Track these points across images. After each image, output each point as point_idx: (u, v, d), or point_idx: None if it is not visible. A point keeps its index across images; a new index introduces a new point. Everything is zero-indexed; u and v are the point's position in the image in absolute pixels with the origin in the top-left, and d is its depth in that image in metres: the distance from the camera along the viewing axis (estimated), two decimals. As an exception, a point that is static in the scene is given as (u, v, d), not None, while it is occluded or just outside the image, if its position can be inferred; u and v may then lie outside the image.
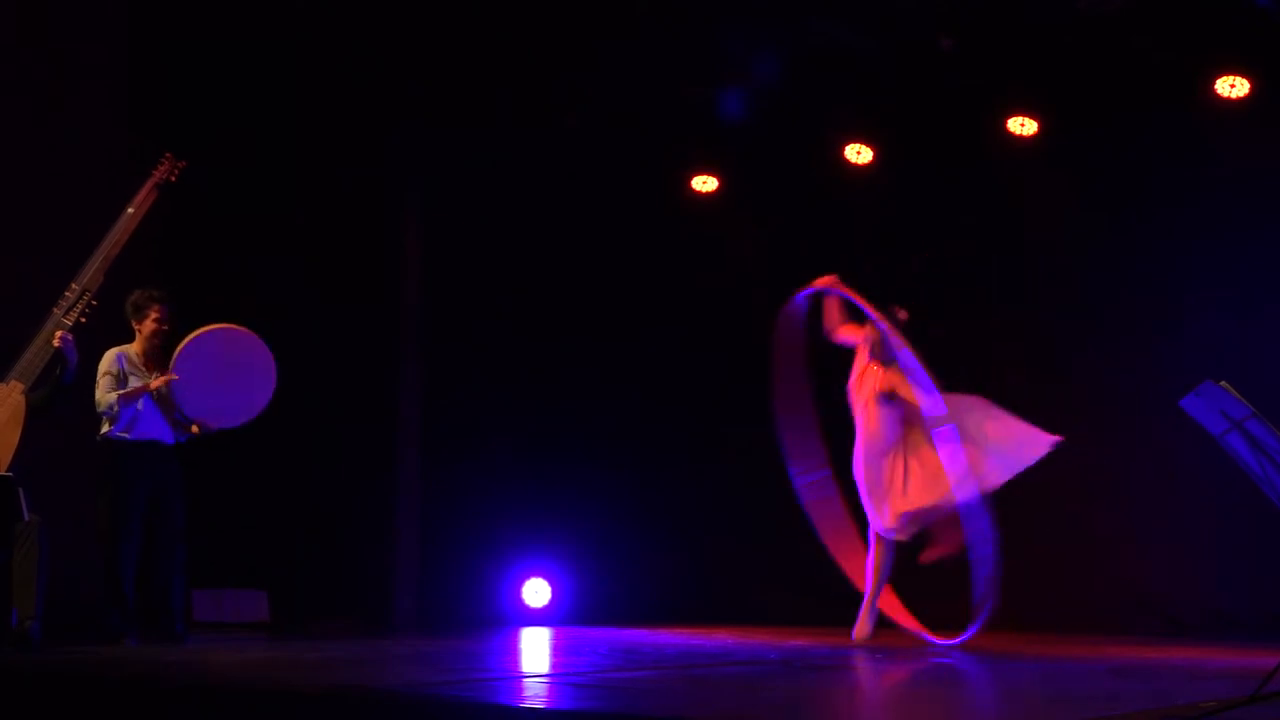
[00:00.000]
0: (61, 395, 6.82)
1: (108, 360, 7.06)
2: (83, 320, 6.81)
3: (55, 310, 6.80)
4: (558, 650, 7.24)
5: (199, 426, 7.15)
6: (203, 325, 7.16)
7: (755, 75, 9.06)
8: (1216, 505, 8.05)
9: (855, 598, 7.56)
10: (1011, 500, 8.86)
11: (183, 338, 7.10)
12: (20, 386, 6.71)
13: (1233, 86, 8.21)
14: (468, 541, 9.66)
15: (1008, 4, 8.28)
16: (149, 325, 7.11)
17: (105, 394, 6.99)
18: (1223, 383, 4.58)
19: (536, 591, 9.70)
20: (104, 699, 5.09)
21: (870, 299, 7.26)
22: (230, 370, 7.12)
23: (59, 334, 6.73)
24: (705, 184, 10.01)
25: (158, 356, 7.15)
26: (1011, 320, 9.11)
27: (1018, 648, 7.25)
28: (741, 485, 9.54)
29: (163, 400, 7.07)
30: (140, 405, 7.04)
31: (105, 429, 7.05)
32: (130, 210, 7.04)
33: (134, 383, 7.04)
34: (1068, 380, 8.80)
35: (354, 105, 9.33)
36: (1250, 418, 4.52)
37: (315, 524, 9.39)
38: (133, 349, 7.13)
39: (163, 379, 6.99)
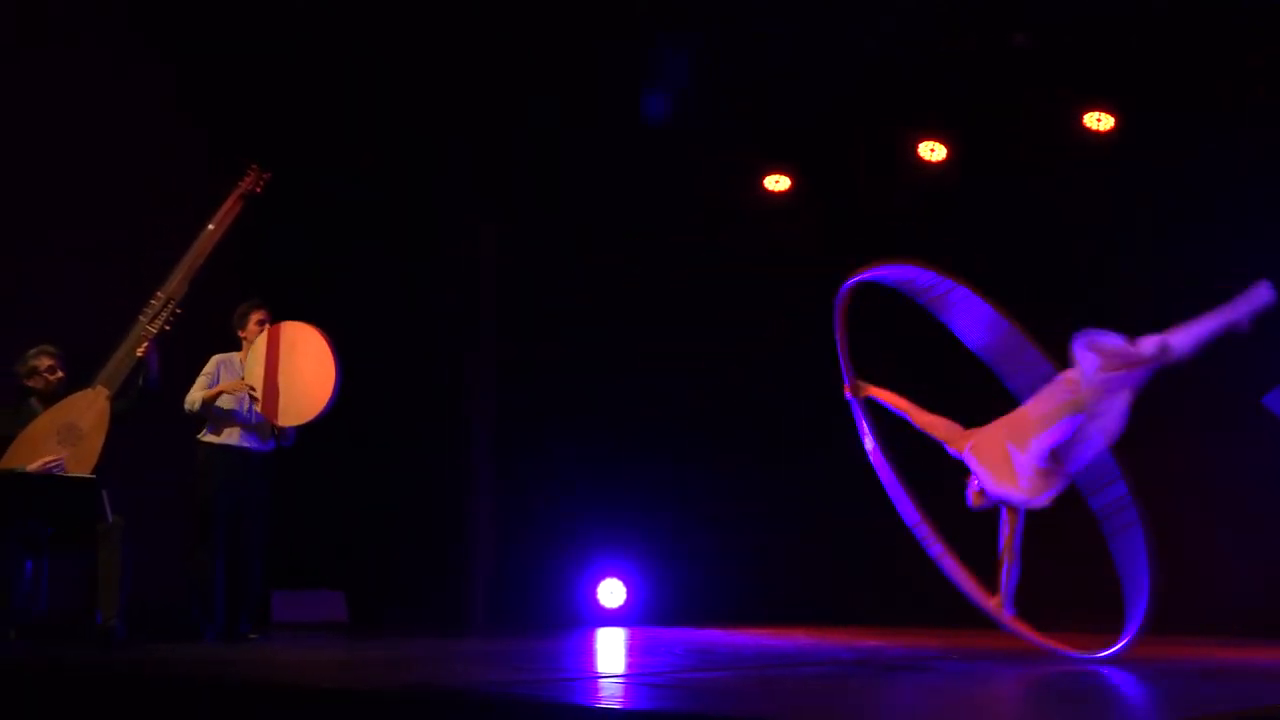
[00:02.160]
0: (146, 402, 6.92)
1: (209, 364, 7.23)
2: (167, 328, 6.91)
3: (140, 318, 6.90)
4: (633, 650, 7.21)
5: (275, 430, 7.23)
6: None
7: (823, 73, 8.99)
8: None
9: (929, 597, 7.42)
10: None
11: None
12: (105, 392, 6.82)
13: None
14: (542, 542, 9.68)
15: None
16: (252, 331, 7.23)
17: (192, 393, 7.14)
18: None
19: (611, 592, 9.69)
20: (185, 697, 5.13)
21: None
22: (286, 368, 7.14)
23: (143, 343, 6.82)
24: (778, 183, 9.96)
25: None
26: (1090, 314, 8.92)
27: (1103, 649, 7.10)
28: (814, 483, 9.45)
29: (246, 407, 7.17)
30: (229, 409, 7.15)
31: (201, 432, 7.17)
32: (215, 221, 7.14)
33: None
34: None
35: (425, 110, 9.37)
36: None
37: (392, 526, 9.45)
38: (238, 356, 7.27)
39: (237, 383, 7.10)
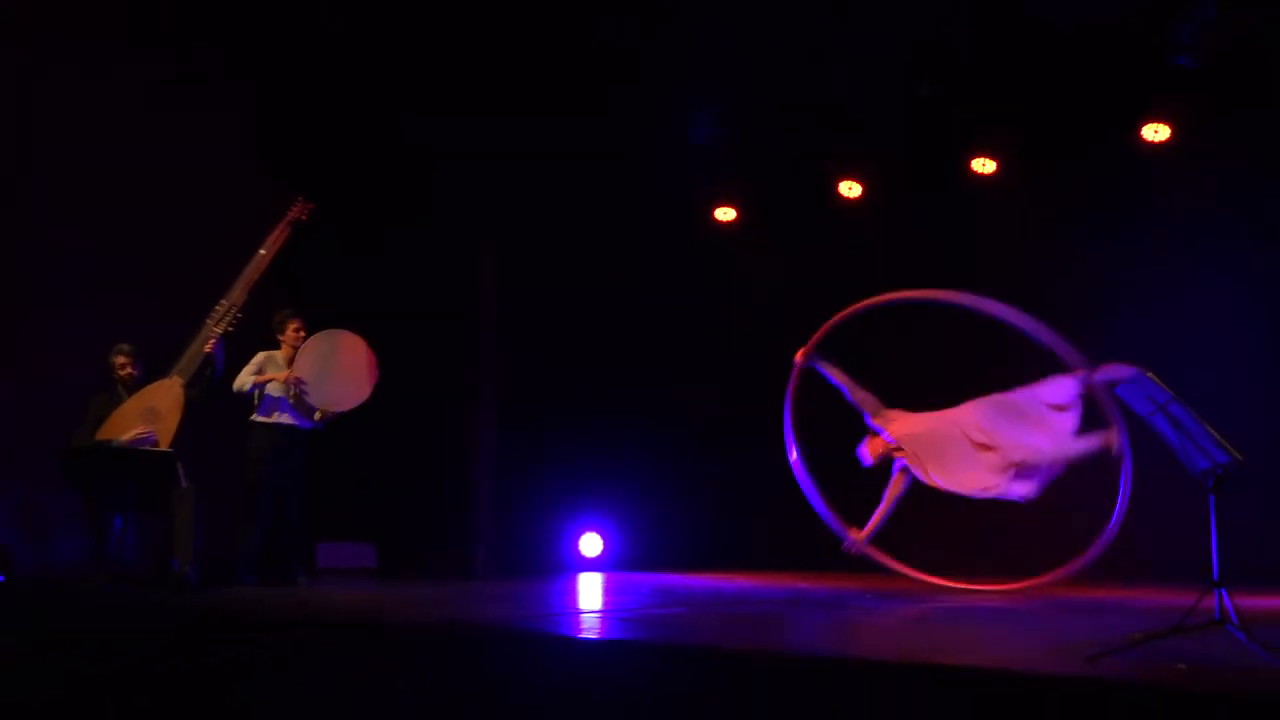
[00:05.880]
0: (213, 391, 7.09)
1: (256, 357, 7.53)
2: (230, 329, 7.22)
3: (208, 321, 7.18)
4: (608, 591, 7.36)
5: (321, 413, 7.37)
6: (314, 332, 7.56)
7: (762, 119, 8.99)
8: (1150, 475, 7.98)
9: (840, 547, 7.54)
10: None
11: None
12: (180, 380, 7.07)
13: (1155, 132, 8.15)
14: (534, 501, 9.76)
15: (979, 56, 8.21)
16: (290, 335, 7.50)
17: (241, 377, 7.42)
18: (1149, 372, 4.58)
19: (591, 543, 9.82)
20: (248, 631, 5.24)
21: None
22: (334, 365, 7.49)
23: (210, 341, 6.98)
24: (725, 214, 10.03)
25: None
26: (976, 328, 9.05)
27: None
28: (756, 455, 9.53)
29: (291, 394, 7.32)
30: (277, 396, 7.39)
31: (252, 415, 7.34)
32: (267, 245, 7.38)
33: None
34: (1023, 371, 8.75)
35: (434, 140, 9.26)
36: (1171, 401, 4.54)
37: (413, 489, 9.51)
38: (279, 353, 7.54)
39: (286, 374, 7.35)
